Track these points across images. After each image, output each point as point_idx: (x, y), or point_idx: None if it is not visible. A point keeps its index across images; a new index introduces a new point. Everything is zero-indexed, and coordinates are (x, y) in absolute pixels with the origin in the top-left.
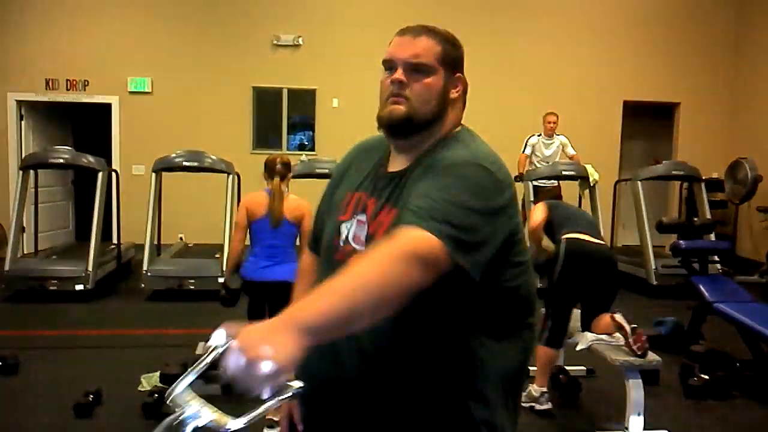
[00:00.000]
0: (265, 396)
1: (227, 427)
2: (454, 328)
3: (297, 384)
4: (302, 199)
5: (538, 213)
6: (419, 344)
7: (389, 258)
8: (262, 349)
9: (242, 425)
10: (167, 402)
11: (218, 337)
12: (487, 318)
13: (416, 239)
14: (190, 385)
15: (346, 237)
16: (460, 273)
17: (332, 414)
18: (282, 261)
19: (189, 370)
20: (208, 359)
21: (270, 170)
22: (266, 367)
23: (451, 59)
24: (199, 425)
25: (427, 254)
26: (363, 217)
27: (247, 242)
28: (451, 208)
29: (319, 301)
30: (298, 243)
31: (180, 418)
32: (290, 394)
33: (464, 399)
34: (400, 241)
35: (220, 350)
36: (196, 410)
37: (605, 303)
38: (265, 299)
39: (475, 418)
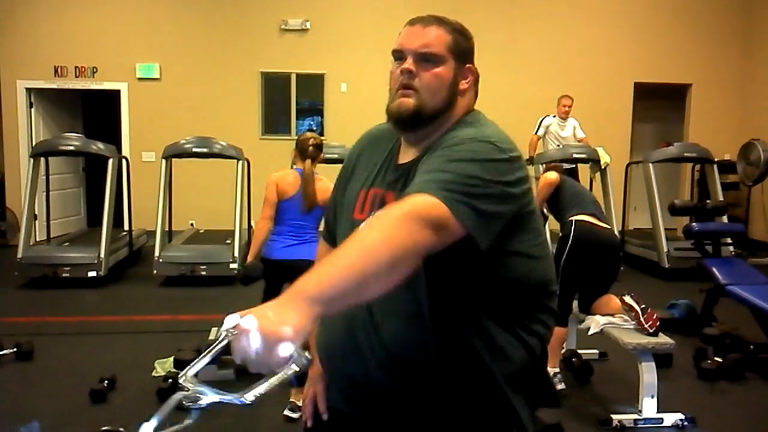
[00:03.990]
0: (279, 372)
1: (240, 399)
2: (473, 315)
3: (305, 356)
4: (331, 183)
5: (552, 175)
6: (441, 336)
7: (396, 221)
8: (276, 328)
9: (254, 398)
10: (180, 384)
11: (231, 321)
12: (503, 303)
13: (423, 202)
14: (202, 370)
15: None
16: (469, 245)
17: (360, 410)
18: (308, 240)
19: (202, 355)
20: (222, 344)
21: (302, 151)
22: (283, 345)
23: (462, 49)
24: (210, 402)
25: (434, 216)
26: None
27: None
28: (458, 177)
29: (327, 271)
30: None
31: (191, 394)
32: (297, 368)
33: (491, 387)
34: (406, 205)
35: (232, 334)
36: (207, 389)
37: (605, 286)
38: (288, 279)
39: (504, 406)
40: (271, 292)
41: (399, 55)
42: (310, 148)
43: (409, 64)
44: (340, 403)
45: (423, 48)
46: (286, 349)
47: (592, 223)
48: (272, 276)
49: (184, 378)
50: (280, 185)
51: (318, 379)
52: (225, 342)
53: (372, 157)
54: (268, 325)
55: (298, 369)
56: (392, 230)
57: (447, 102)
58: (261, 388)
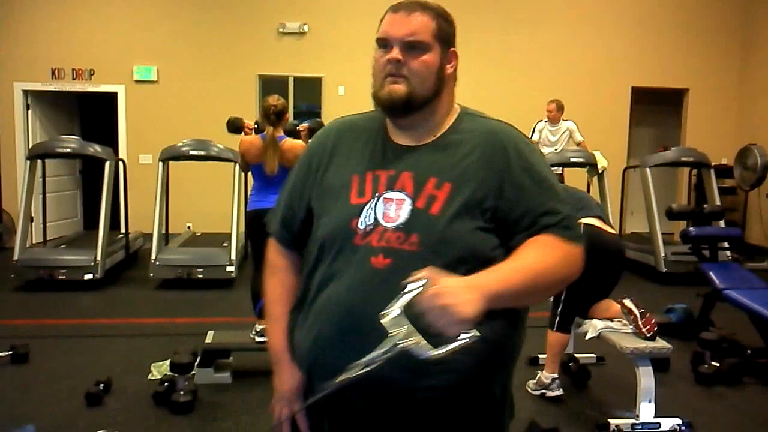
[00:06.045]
0: (453, 335)
1: (429, 353)
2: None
3: (475, 333)
4: (296, 142)
5: None
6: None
7: (559, 256)
8: (458, 299)
9: (441, 354)
10: (383, 322)
11: (422, 279)
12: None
13: (570, 248)
14: (198, 374)
15: (374, 218)
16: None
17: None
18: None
19: (397, 297)
20: (413, 294)
21: (265, 116)
22: (458, 314)
23: (445, 34)
24: (406, 347)
25: (578, 260)
26: (394, 195)
27: None
28: (567, 210)
29: (506, 275)
30: None
31: (395, 340)
32: (470, 338)
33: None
34: (573, 246)
35: (421, 288)
36: (406, 334)
37: (608, 291)
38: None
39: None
40: (254, 243)
41: (384, 43)
42: (272, 116)
43: (396, 53)
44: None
45: (409, 36)
46: (459, 315)
47: (600, 227)
48: (254, 227)
49: (385, 321)
50: (246, 156)
51: (295, 397)
52: (415, 293)
53: (355, 144)
54: (454, 293)
55: (468, 340)
56: (557, 263)
57: (435, 88)
58: (446, 349)
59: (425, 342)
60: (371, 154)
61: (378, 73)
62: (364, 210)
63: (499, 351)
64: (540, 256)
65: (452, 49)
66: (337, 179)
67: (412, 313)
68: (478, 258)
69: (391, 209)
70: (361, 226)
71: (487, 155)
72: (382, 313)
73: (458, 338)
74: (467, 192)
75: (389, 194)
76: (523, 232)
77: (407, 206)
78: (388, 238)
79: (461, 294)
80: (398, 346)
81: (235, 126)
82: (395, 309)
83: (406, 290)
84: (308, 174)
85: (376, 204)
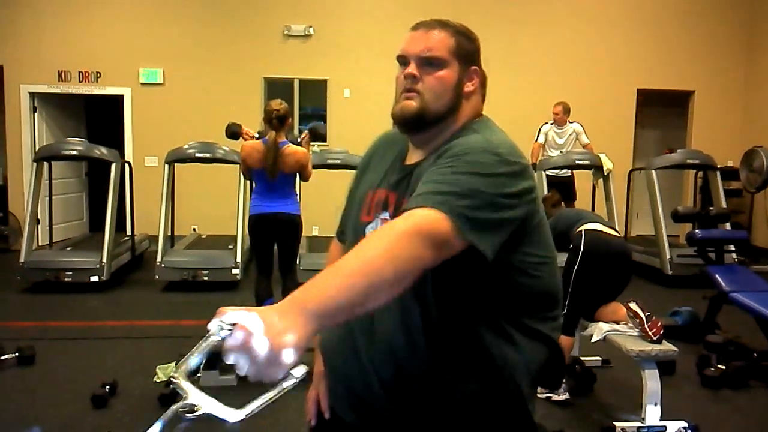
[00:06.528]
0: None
1: (228, 419)
2: (485, 318)
3: (302, 370)
4: (297, 149)
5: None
6: (447, 339)
7: (396, 237)
8: (282, 336)
9: (244, 417)
10: (172, 380)
11: (231, 318)
12: (511, 312)
13: (425, 218)
14: (203, 376)
15: None
16: (472, 255)
17: (363, 419)
18: (281, 197)
19: (189, 354)
20: (216, 340)
21: (267, 120)
22: (286, 355)
23: (466, 52)
24: (201, 413)
25: (435, 231)
26: (386, 215)
27: None
28: (461, 189)
29: (326, 284)
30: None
31: (182, 408)
32: (295, 381)
33: (506, 390)
34: (410, 220)
35: (229, 331)
36: (198, 400)
37: (615, 294)
38: (270, 232)
39: (520, 409)
40: (256, 246)
41: (403, 60)
42: (274, 120)
43: (412, 68)
44: (344, 412)
45: (425, 52)
46: (289, 358)
47: (601, 231)
48: (258, 229)
49: (175, 374)
50: (248, 160)
51: (320, 378)
52: (219, 339)
53: (383, 159)
54: (274, 331)
55: (296, 381)
56: (395, 245)
57: (451, 105)
58: (252, 407)
59: (221, 406)
60: (386, 171)
61: (397, 91)
62: (369, 229)
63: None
64: (366, 248)
65: (474, 67)
66: (360, 194)
67: (218, 363)
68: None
69: None
70: None
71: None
72: (173, 372)
73: (282, 382)
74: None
75: (383, 215)
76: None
77: None
78: None
79: (271, 327)
80: (187, 416)
81: (232, 131)
82: (184, 364)
83: (213, 333)
84: (354, 183)
85: (375, 225)
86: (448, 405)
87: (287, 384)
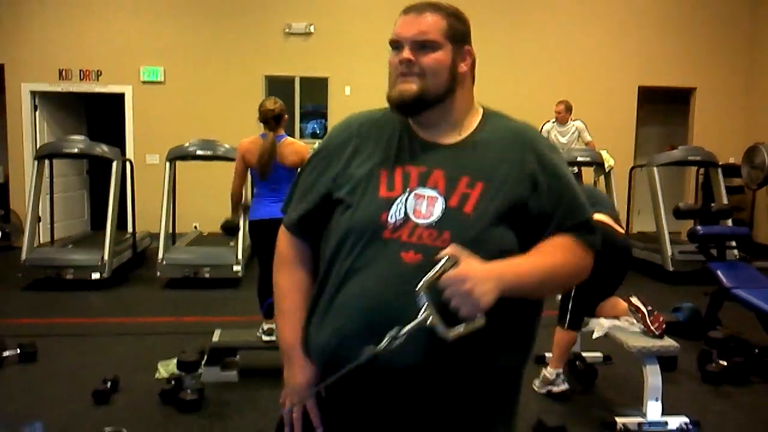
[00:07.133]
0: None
1: (444, 333)
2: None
3: (483, 319)
4: (298, 144)
5: None
6: (508, 320)
7: (574, 261)
8: (478, 286)
9: (454, 336)
10: (419, 288)
11: (450, 256)
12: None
13: (585, 254)
14: (204, 371)
15: (405, 213)
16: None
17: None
18: (282, 198)
19: (431, 271)
20: (438, 270)
21: (263, 120)
22: (475, 301)
23: (458, 32)
24: (428, 325)
25: (588, 267)
26: (426, 191)
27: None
28: (589, 213)
29: (524, 270)
30: None
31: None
32: (478, 324)
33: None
34: (580, 251)
35: (449, 265)
36: (426, 311)
37: (613, 289)
38: (270, 236)
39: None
40: (258, 250)
41: (396, 45)
42: (271, 121)
43: (407, 53)
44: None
45: (419, 36)
46: (486, 303)
47: (610, 225)
48: (260, 233)
49: (419, 288)
50: (246, 156)
51: (307, 391)
52: (441, 270)
53: (379, 139)
54: (475, 277)
55: (475, 327)
56: (570, 263)
57: (448, 85)
58: (460, 330)
59: (441, 323)
60: (398, 149)
61: (391, 75)
62: (395, 204)
63: (516, 333)
64: (557, 258)
65: (466, 47)
66: (362, 172)
67: (435, 289)
68: (506, 257)
69: (422, 206)
70: (391, 220)
71: (517, 157)
72: (419, 286)
73: (469, 322)
74: (500, 192)
75: (420, 190)
76: (549, 231)
77: (440, 204)
78: (419, 235)
79: (481, 283)
80: (426, 322)
81: (230, 227)
82: (424, 284)
83: (434, 267)
84: (327, 165)
85: (407, 199)
86: (486, 374)
87: (473, 326)
